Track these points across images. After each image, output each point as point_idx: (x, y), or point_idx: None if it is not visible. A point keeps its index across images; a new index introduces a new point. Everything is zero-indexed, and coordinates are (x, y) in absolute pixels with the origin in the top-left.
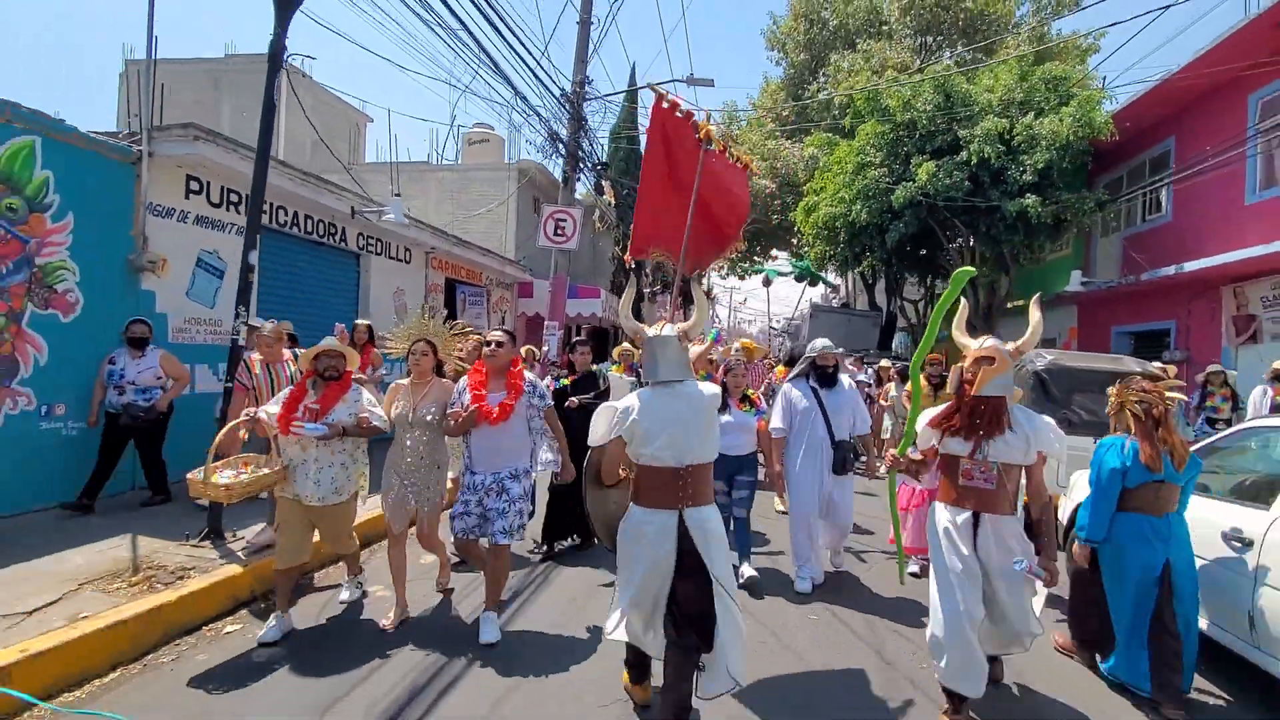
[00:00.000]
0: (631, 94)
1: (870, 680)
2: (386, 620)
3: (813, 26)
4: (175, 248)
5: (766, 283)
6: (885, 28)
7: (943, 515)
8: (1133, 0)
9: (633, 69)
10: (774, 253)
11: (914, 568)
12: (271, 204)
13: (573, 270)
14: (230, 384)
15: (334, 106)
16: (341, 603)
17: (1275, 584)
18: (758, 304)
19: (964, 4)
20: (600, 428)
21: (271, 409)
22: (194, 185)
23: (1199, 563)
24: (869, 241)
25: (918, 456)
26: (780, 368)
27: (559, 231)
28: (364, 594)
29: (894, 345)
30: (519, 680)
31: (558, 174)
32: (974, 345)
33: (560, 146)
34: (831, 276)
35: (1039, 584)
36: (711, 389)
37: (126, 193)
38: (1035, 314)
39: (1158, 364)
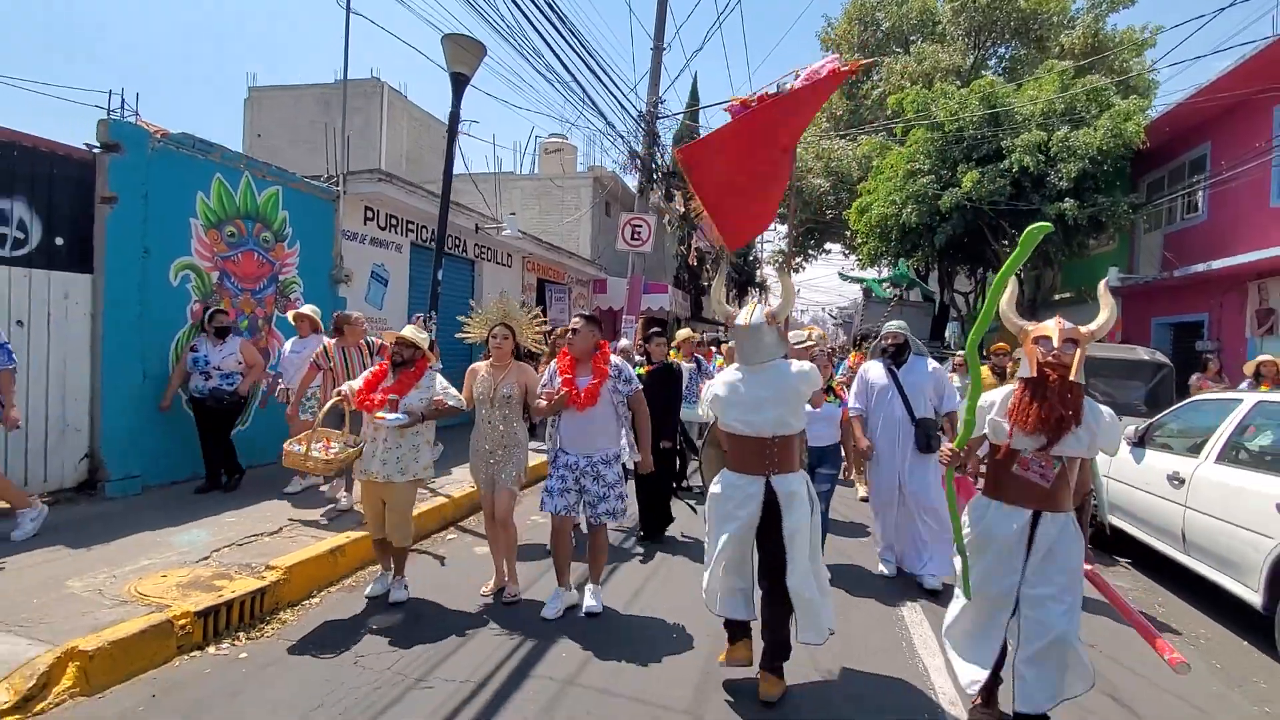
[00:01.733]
0: (694, 106)
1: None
2: (486, 587)
3: (866, 29)
4: (357, 263)
5: (868, 294)
6: (938, 28)
7: (994, 513)
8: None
9: (694, 80)
10: (827, 246)
11: None
12: (419, 225)
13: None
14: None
15: (426, 123)
16: (393, 602)
17: (1197, 509)
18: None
19: (1017, 3)
20: (704, 402)
21: (356, 384)
22: (369, 213)
23: (1152, 500)
24: (918, 240)
25: (982, 452)
26: (854, 353)
27: (635, 236)
28: (406, 597)
29: (946, 335)
30: (617, 654)
31: (630, 183)
32: (1038, 325)
33: (637, 161)
34: (884, 270)
35: None
36: (801, 366)
37: (329, 223)
38: (1108, 298)
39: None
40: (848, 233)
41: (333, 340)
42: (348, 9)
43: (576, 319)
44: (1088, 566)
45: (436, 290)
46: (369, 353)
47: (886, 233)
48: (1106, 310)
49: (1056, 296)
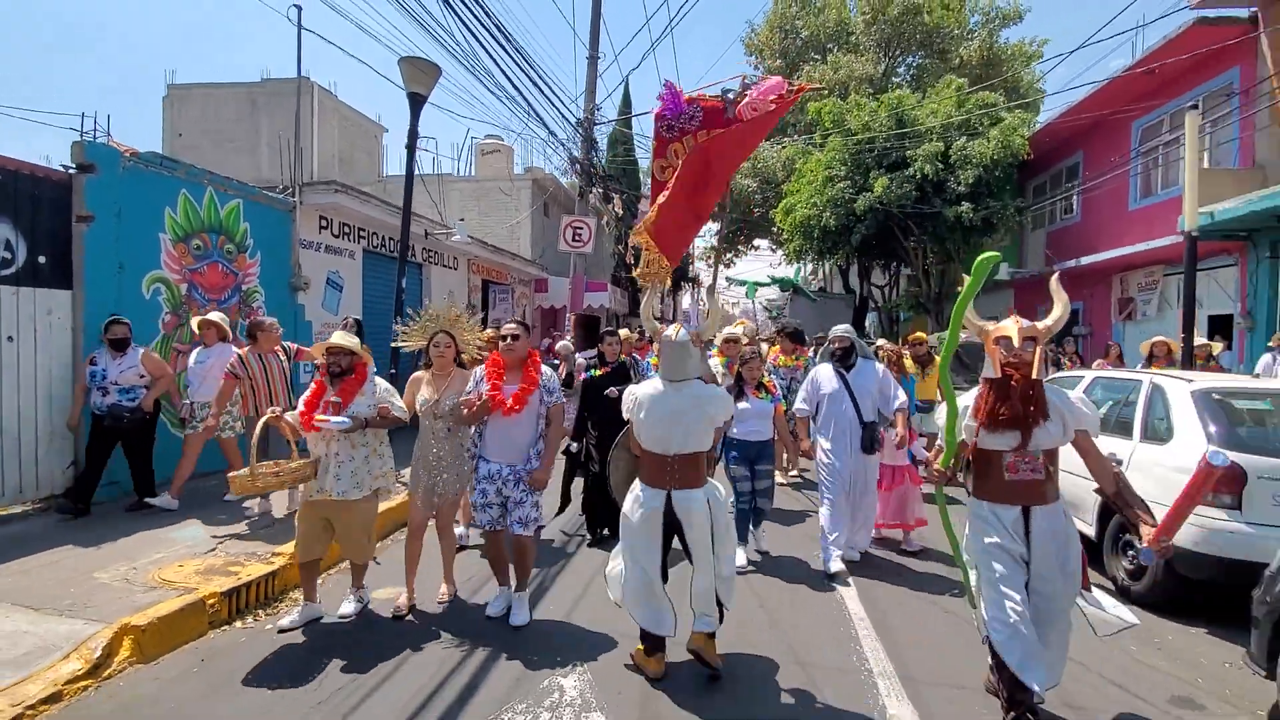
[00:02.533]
0: (627, 114)
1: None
2: (395, 606)
3: (787, 37)
4: (313, 270)
5: (795, 290)
6: (852, 39)
7: (988, 514)
8: (1069, 15)
9: (626, 81)
10: (755, 242)
11: (913, 537)
12: (371, 232)
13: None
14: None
15: (357, 122)
16: (341, 617)
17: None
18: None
19: (921, 19)
20: (625, 408)
21: (292, 416)
22: (324, 222)
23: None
24: (838, 239)
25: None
26: (771, 347)
27: (576, 237)
28: (365, 606)
29: (866, 326)
30: (539, 664)
31: (571, 185)
32: (998, 326)
33: (577, 166)
34: (808, 266)
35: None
36: (716, 392)
37: (286, 233)
38: (1061, 293)
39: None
40: (774, 229)
41: (247, 348)
42: (299, 24)
43: (512, 324)
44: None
45: (401, 298)
46: (287, 359)
47: (809, 232)
48: (1060, 304)
49: (959, 289)
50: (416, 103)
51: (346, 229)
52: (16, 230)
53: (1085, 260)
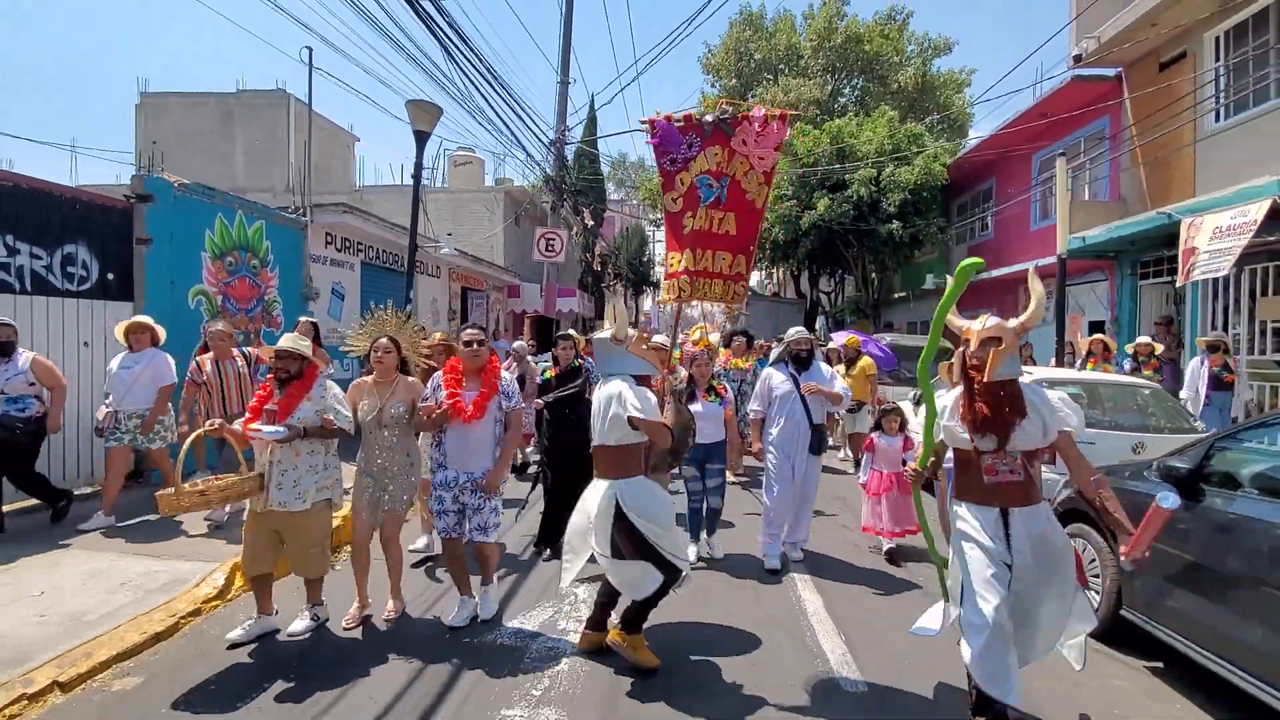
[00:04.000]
0: (593, 128)
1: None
2: (346, 617)
3: (741, 59)
4: (321, 281)
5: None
6: (801, 62)
7: (968, 516)
8: (995, 45)
9: (591, 100)
10: None
11: (890, 545)
12: (368, 246)
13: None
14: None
15: (332, 132)
16: (291, 635)
17: None
18: None
19: (863, 47)
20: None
21: (238, 425)
22: (329, 238)
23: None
24: (788, 251)
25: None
26: (724, 350)
27: (549, 248)
28: (321, 624)
29: (816, 328)
30: (504, 675)
31: (546, 200)
32: (975, 326)
33: (549, 183)
34: (762, 274)
35: (1084, 613)
36: (615, 390)
37: (298, 248)
38: (1038, 287)
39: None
40: None
41: (208, 355)
42: (310, 65)
43: (473, 329)
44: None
45: (408, 306)
46: (247, 364)
47: (762, 244)
48: (1035, 301)
49: (895, 296)
50: (421, 139)
51: (348, 243)
52: (90, 252)
53: (995, 273)
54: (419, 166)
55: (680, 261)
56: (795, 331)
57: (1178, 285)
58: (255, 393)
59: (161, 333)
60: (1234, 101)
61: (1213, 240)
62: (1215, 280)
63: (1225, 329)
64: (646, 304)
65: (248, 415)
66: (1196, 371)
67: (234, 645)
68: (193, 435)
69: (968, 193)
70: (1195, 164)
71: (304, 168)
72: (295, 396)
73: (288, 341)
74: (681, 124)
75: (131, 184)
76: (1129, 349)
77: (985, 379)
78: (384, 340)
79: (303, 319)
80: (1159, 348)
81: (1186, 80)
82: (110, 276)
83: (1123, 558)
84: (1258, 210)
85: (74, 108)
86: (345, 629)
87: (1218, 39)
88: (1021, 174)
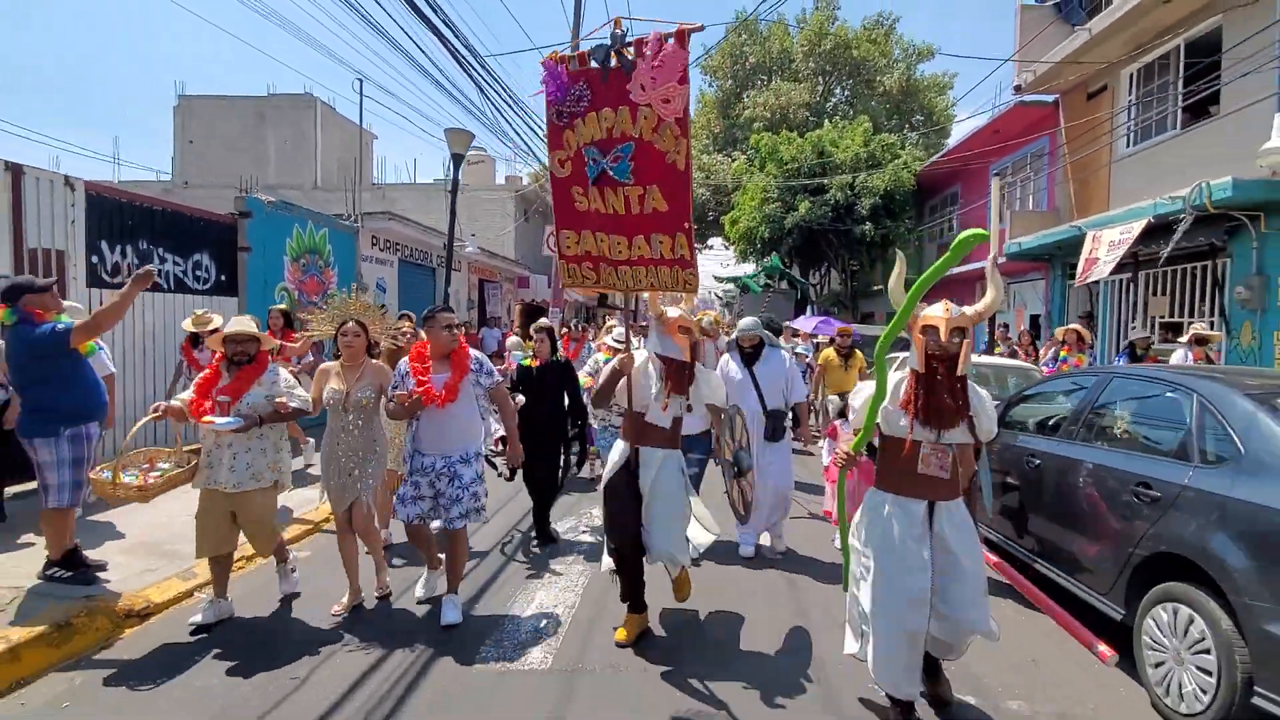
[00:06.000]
0: None
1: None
2: (338, 606)
3: (736, 63)
4: (368, 278)
5: (744, 290)
6: (793, 66)
7: (891, 507)
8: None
9: None
10: (710, 241)
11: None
12: (404, 246)
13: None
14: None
15: (352, 131)
16: (284, 596)
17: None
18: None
19: (851, 52)
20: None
21: (186, 395)
22: (374, 240)
23: None
24: (774, 247)
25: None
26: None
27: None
28: (294, 572)
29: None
30: (477, 666)
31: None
32: (938, 312)
33: None
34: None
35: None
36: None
37: (352, 250)
38: (996, 277)
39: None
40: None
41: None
42: (360, 93)
43: (445, 313)
44: (993, 558)
45: (447, 303)
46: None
47: (751, 240)
48: (993, 290)
49: (874, 288)
50: (457, 161)
51: (389, 244)
52: (210, 258)
53: (957, 270)
54: (455, 183)
55: (577, 243)
56: (746, 323)
57: (1075, 285)
58: (202, 374)
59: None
60: (1139, 131)
61: (1109, 251)
62: (1118, 281)
63: (1143, 324)
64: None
65: (192, 395)
66: (1181, 362)
67: (196, 631)
68: (141, 422)
69: (938, 195)
70: (1110, 183)
71: (356, 183)
72: (246, 380)
73: (238, 325)
74: (577, 67)
75: (235, 204)
76: (1058, 334)
77: (960, 370)
78: (351, 324)
79: (273, 307)
80: (1088, 335)
81: (1106, 110)
82: (223, 278)
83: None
84: (1136, 227)
85: (116, 108)
86: (334, 615)
87: (1131, 76)
88: (981, 180)
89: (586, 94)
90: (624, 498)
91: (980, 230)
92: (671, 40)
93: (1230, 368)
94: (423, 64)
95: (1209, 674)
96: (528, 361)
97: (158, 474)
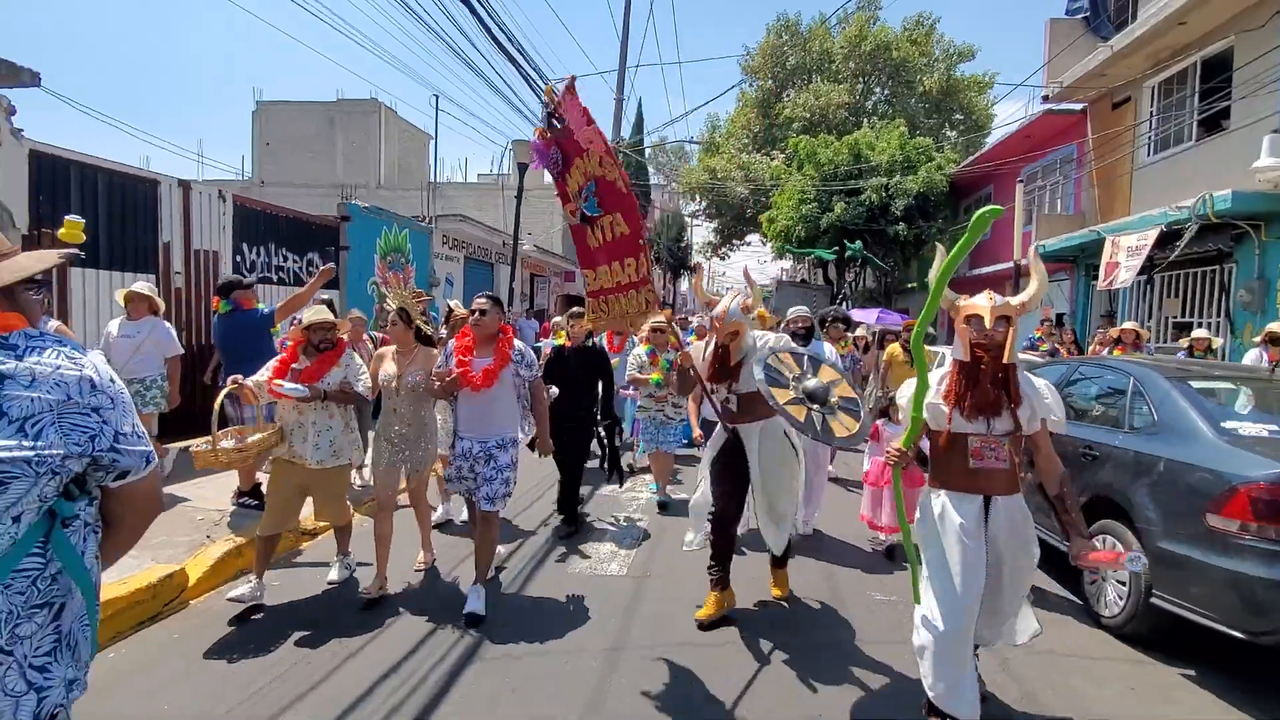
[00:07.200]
0: (640, 126)
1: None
2: (366, 587)
3: (776, 63)
4: (440, 273)
5: (779, 284)
6: (833, 66)
7: (948, 504)
8: (1015, 54)
9: (639, 105)
10: (748, 238)
11: (890, 540)
12: (469, 244)
13: None
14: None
15: (412, 134)
16: (330, 583)
17: None
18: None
19: (891, 54)
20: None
21: (261, 377)
22: (444, 239)
23: None
24: (810, 245)
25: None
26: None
27: None
28: (352, 573)
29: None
30: (506, 651)
31: None
32: (981, 302)
33: None
34: (789, 262)
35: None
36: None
37: (426, 247)
38: (1039, 265)
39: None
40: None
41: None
42: (436, 108)
43: (481, 299)
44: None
45: (509, 295)
46: (374, 347)
47: (788, 238)
48: (1036, 279)
49: (908, 285)
50: (522, 170)
51: (457, 243)
52: (319, 256)
53: (987, 270)
54: (521, 189)
55: (594, 279)
56: (795, 310)
57: (1098, 289)
58: (280, 355)
59: (160, 303)
60: (1159, 142)
61: (1129, 256)
62: (1136, 283)
63: (1156, 324)
64: (683, 286)
65: (269, 375)
66: (1256, 362)
67: (234, 600)
68: (224, 392)
69: (972, 196)
70: (1131, 190)
71: (429, 194)
72: (327, 363)
73: (318, 314)
74: (550, 136)
75: (337, 209)
76: (1113, 333)
77: (1006, 359)
78: (395, 313)
79: (317, 298)
80: (1217, 342)
81: (1129, 120)
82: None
83: (1073, 560)
84: (1151, 235)
85: (199, 112)
86: (366, 601)
87: (1153, 89)
88: (1013, 183)
89: (559, 155)
90: (731, 469)
91: (996, 207)
92: (566, 94)
93: (1166, 358)
94: (496, 84)
95: (1124, 585)
96: (560, 341)
97: (252, 439)
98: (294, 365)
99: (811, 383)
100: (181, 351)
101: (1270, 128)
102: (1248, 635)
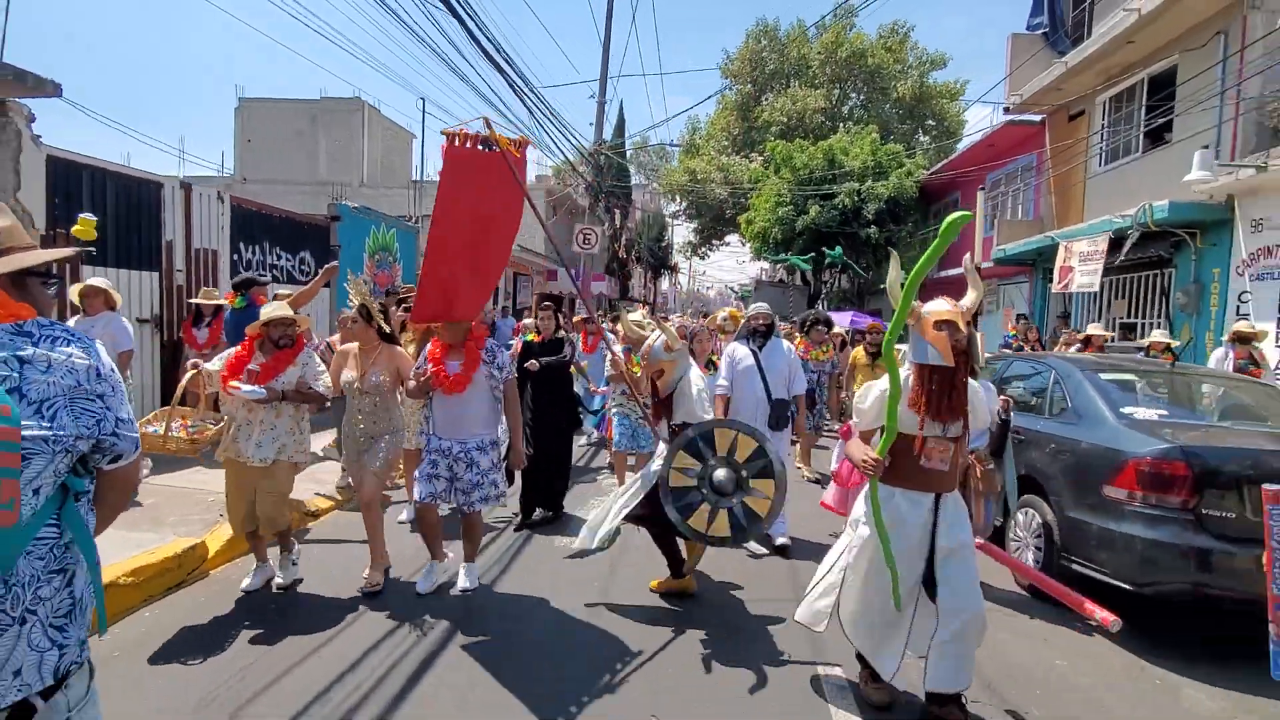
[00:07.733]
0: (621, 129)
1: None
2: (365, 573)
3: (756, 68)
4: None
5: (757, 283)
6: (810, 72)
7: (899, 502)
8: (986, 59)
9: (620, 107)
10: (727, 239)
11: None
12: None
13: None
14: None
15: (395, 132)
16: (278, 588)
17: None
18: (715, 273)
19: (866, 61)
20: None
21: (214, 366)
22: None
23: None
24: (786, 246)
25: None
26: (800, 338)
27: (586, 241)
28: (299, 580)
29: (818, 308)
30: (490, 640)
31: (583, 200)
32: (933, 307)
33: (588, 188)
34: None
35: None
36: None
37: (413, 247)
38: (975, 276)
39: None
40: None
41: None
42: (423, 111)
43: (347, 311)
44: (978, 540)
45: (495, 293)
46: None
47: (765, 239)
48: (975, 289)
49: (880, 287)
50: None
51: None
52: (310, 254)
53: (953, 272)
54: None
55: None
56: (756, 307)
57: (1053, 291)
58: (235, 351)
59: (118, 298)
60: (1109, 153)
61: (1081, 261)
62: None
63: (1104, 325)
64: (664, 285)
65: (223, 369)
66: (1221, 362)
67: (248, 592)
68: (186, 378)
69: (941, 200)
70: (1085, 198)
71: (414, 193)
72: (284, 361)
73: (279, 310)
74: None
75: (327, 209)
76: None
77: (980, 364)
78: (349, 312)
79: (277, 293)
80: (1175, 343)
81: (1083, 132)
82: (318, 272)
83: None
84: (1101, 241)
85: (180, 108)
86: (366, 593)
87: (1104, 103)
88: (973, 195)
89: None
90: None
91: (965, 213)
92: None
93: (1083, 356)
94: (483, 90)
95: (1040, 549)
96: (531, 336)
97: (194, 429)
98: (249, 366)
99: (720, 474)
100: (133, 348)
101: (1208, 140)
102: (1134, 587)
